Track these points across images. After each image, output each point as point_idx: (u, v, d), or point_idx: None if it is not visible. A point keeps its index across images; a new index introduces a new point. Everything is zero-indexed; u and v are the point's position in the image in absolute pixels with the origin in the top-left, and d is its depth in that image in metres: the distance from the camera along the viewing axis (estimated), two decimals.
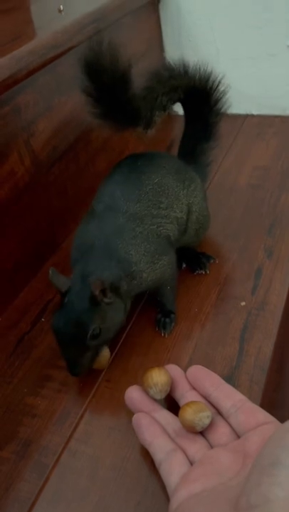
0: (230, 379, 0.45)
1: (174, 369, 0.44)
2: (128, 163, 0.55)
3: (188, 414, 0.38)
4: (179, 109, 0.60)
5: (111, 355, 0.49)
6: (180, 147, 0.65)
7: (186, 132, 0.64)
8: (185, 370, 0.43)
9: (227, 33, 0.88)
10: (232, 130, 0.89)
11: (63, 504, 0.39)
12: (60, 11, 0.70)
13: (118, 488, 0.39)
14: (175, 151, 0.67)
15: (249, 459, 0.33)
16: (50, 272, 0.45)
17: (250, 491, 0.27)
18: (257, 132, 0.89)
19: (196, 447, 0.37)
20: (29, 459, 0.42)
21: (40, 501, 0.39)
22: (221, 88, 0.59)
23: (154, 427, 0.39)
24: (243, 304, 0.53)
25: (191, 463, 0.37)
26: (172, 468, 0.36)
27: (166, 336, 0.51)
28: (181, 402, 0.41)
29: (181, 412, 0.39)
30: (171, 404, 0.43)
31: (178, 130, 0.65)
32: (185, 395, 0.42)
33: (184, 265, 0.60)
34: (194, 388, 0.42)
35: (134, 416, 0.41)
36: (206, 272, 0.58)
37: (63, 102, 0.66)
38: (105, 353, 0.47)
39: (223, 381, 0.41)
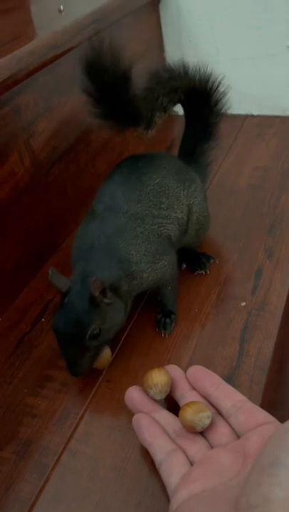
0: (230, 379, 0.45)
1: (174, 369, 0.44)
2: (128, 164, 0.55)
3: (189, 414, 0.38)
4: (179, 109, 0.61)
5: (111, 355, 0.49)
6: (180, 147, 0.65)
7: (187, 133, 0.64)
8: (185, 370, 0.43)
9: (227, 33, 0.88)
10: (232, 130, 0.89)
11: (63, 504, 0.39)
12: (60, 11, 0.70)
13: (118, 488, 0.39)
14: (175, 151, 0.67)
15: (249, 459, 0.34)
16: (50, 272, 0.45)
17: (250, 491, 0.27)
18: (257, 133, 0.89)
19: (196, 447, 0.37)
20: (29, 460, 0.42)
21: (41, 502, 0.39)
22: (221, 89, 0.59)
23: (154, 428, 0.39)
24: (243, 304, 0.53)
25: (191, 463, 0.37)
26: (172, 469, 0.36)
27: (166, 336, 0.51)
28: (181, 403, 0.41)
29: (181, 413, 0.39)
30: (172, 404, 0.43)
31: (178, 130, 0.65)
32: (185, 395, 0.42)
33: (184, 265, 0.60)
34: (194, 388, 0.42)
35: (134, 416, 0.41)
36: (206, 272, 0.58)
37: (63, 102, 0.66)
38: (106, 353, 0.48)
39: (223, 381, 0.41)
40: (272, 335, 0.49)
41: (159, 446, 0.38)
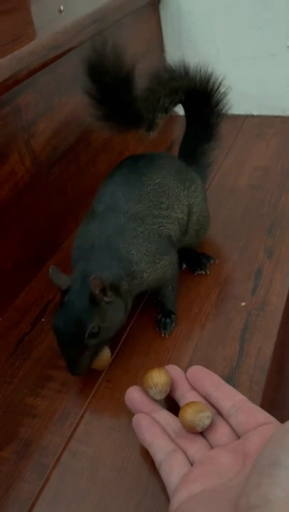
0: (230, 379, 0.45)
1: (174, 369, 0.44)
2: (128, 164, 0.55)
3: (189, 414, 0.38)
4: (179, 109, 0.60)
5: (111, 355, 0.49)
6: (181, 148, 0.65)
7: (187, 133, 0.64)
8: (185, 370, 0.43)
9: (227, 33, 0.88)
10: (232, 130, 0.90)
11: (63, 504, 0.39)
12: (60, 11, 0.70)
13: (118, 488, 0.39)
14: (175, 151, 0.67)
15: (249, 459, 0.34)
16: (50, 270, 0.45)
17: (250, 492, 0.27)
18: (257, 133, 0.89)
19: (196, 448, 0.37)
20: (29, 460, 0.42)
21: (41, 502, 0.39)
22: (222, 89, 0.59)
23: (154, 428, 0.39)
24: (243, 304, 0.53)
25: (191, 463, 0.37)
26: (172, 469, 0.36)
27: (166, 336, 0.51)
28: (181, 403, 0.41)
29: (181, 413, 0.39)
30: (172, 404, 0.43)
31: (178, 131, 0.65)
32: (185, 396, 0.42)
33: (184, 266, 0.60)
34: (194, 389, 0.42)
35: (134, 416, 0.41)
36: (206, 272, 0.58)
37: (64, 102, 0.66)
38: (106, 354, 0.48)
39: (223, 381, 0.41)
40: (272, 335, 0.49)
41: (159, 447, 0.38)
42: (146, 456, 0.39)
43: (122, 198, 0.50)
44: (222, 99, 0.60)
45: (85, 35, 0.65)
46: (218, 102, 0.60)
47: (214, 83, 0.58)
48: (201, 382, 0.42)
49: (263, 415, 0.37)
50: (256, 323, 0.51)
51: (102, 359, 0.47)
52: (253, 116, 0.95)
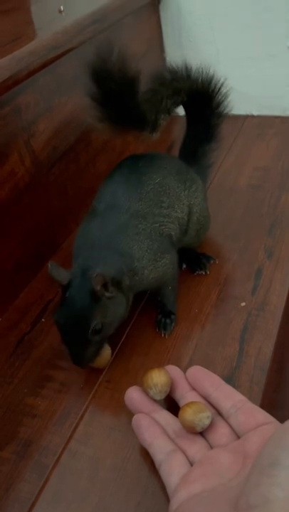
0: (230, 379, 0.45)
1: (173, 370, 0.44)
2: (129, 164, 0.55)
3: (188, 414, 0.38)
4: (179, 110, 0.60)
5: (111, 355, 0.49)
6: (181, 149, 0.65)
7: (188, 134, 0.64)
8: (185, 370, 0.43)
9: (227, 34, 0.88)
10: (232, 131, 0.90)
11: (63, 505, 0.39)
12: (60, 11, 0.70)
13: (118, 488, 0.39)
14: (175, 152, 0.67)
15: (249, 459, 0.33)
16: (49, 265, 0.45)
17: (249, 492, 0.27)
18: (257, 133, 0.89)
19: (196, 448, 0.37)
20: (29, 460, 0.42)
21: (40, 502, 0.39)
22: (223, 91, 0.59)
23: (154, 428, 0.39)
24: (243, 304, 0.53)
25: (191, 463, 0.37)
26: (172, 469, 0.36)
27: (166, 336, 0.51)
28: (181, 403, 0.41)
29: (181, 413, 0.39)
30: (171, 404, 0.43)
31: (178, 131, 0.65)
32: (185, 396, 0.42)
33: (184, 266, 0.60)
34: (194, 389, 0.42)
35: (134, 417, 0.41)
36: (206, 272, 0.58)
37: (64, 102, 0.66)
38: (106, 352, 0.48)
39: (222, 382, 0.41)
40: (272, 335, 0.49)
41: (159, 447, 0.38)
42: (146, 456, 0.39)
43: (122, 197, 0.51)
44: (223, 101, 0.60)
45: (85, 36, 0.65)
46: (219, 104, 0.60)
47: (216, 85, 0.58)
48: (200, 383, 0.42)
49: (262, 415, 0.37)
50: (256, 324, 0.51)
51: (103, 357, 0.47)
52: (253, 116, 0.95)
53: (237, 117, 0.93)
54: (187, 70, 0.56)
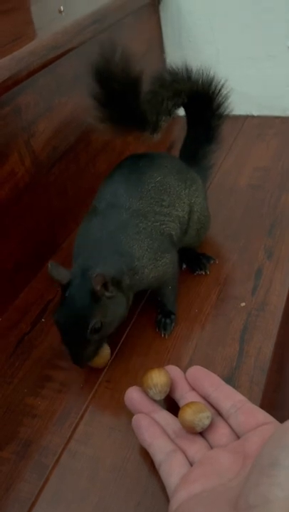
0: (230, 380, 0.45)
1: (173, 370, 0.44)
2: (129, 164, 0.55)
3: (188, 414, 0.38)
4: (179, 110, 0.60)
5: (111, 355, 0.49)
6: (182, 150, 0.65)
7: (188, 135, 0.64)
8: (185, 370, 0.43)
9: (227, 34, 0.88)
10: (232, 131, 0.90)
11: (63, 505, 0.39)
12: (60, 11, 0.70)
13: (118, 488, 0.39)
14: (175, 152, 0.67)
15: (249, 459, 0.33)
16: (49, 265, 0.45)
17: (249, 492, 0.27)
18: (257, 133, 0.89)
19: (195, 448, 0.37)
20: (29, 460, 0.42)
21: (40, 502, 0.39)
22: (224, 92, 0.59)
23: (154, 428, 0.39)
24: (243, 304, 0.53)
25: (191, 464, 0.37)
26: (172, 469, 0.36)
27: (166, 336, 0.51)
28: (181, 403, 0.41)
29: (180, 413, 0.39)
30: (171, 404, 0.43)
31: (178, 131, 0.65)
32: (185, 396, 0.42)
33: (184, 266, 0.60)
34: (194, 389, 0.42)
35: (134, 417, 0.41)
36: (206, 272, 0.58)
37: (64, 102, 0.66)
38: (106, 352, 0.48)
39: (222, 382, 0.41)
40: (272, 335, 0.49)
41: (159, 447, 0.38)
42: (146, 456, 0.39)
43: (123, 195, 0.51)
44: (224, 102, 0.60)
45: (85, 36, 0.65)
46: (219, 105, 0.60)
47: (216, 86, 0.58)
48: (200, 383, 0.42)
49: (262, 415, 0.37)
50: (256, 324, 0.51)
51: (102, 357, 0.47)
52: (253, 116, 0.95)
53: (237, 117, 0.93)
54: (187, 71, 0.56)
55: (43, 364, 0.52)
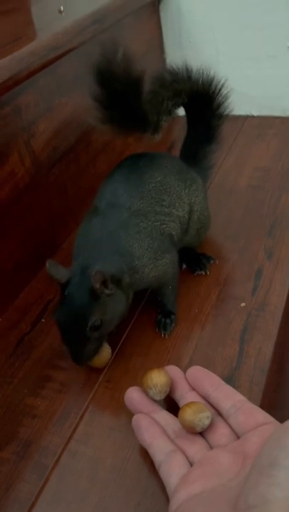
0: (230, 380, 0.45)
1: (173, 370, 0.44)
2: (129, 164, 0.55)
3: (188, 414, 0.38)
4: (179, 110, 0.60)
5: (111, 355, 0.49)
6: (182, 150, 0.65)
7: (189, 135, 0.64)
8: (185, 370, 0.43)
9: (227, 34, 0.88)
10: (232, 131, 0.90)
11: (63, 505, 0.39)
12: (60, 12, 0.70)
13: (118, 489, 0.39)
14: (175, 152, 0.67)
15: (249, 459, 0.33)
16: (47, 264, 0.45)
17: (248, 492, 0.27)
18: (257, 133, 0.89)
19: (195, 448, 0.37)
20: (29, 460, 0.42)
21: (40, 502, 0.39)
22: (224, 92, 0.59)
23: (154, 428, 0.39)
24: (243, 304, 0.53)
25: (191, 464, 0.36)
26: (172, 470, 0.36)
27: (166, 336, 0.51)
28: (181, 403, 0.41)
29: (180, 413, 0.39)
30: (171, 405, 0.43)
31: (178, 131, 0.65)
32: (185, 396, 0.42)
33: (184, 266, 0.60)
34: (194, 389, 0.42)
35: (134, 417, 0.41)
36: (206, 272, 0.58)
37: (64, 103, 0.66)
38: (106, 351, 0.48)
39: (222, 382, 0.41)
40: (272, 335, 0.49)
41: (159, 447, 0.38)
42: (146, 456, 0.39)
43: (124, 195, 0.51)
44: (224, 102, 0.60)
45: (85, 36, 0.65)
46: (219, 105, 0.60)
47: (216, 86, 0.58)
48: (200, 383, 0.42)
49: (262, 415, 0.37)
50: (256, 324, 0.51)
51: (103, 357, 0.47)
52: (253, 116, 0.95)
53: (237, 118, 0.93)
54: (188, 71, 0.56)
55: (43, 364, 0.52)
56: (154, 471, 0.38)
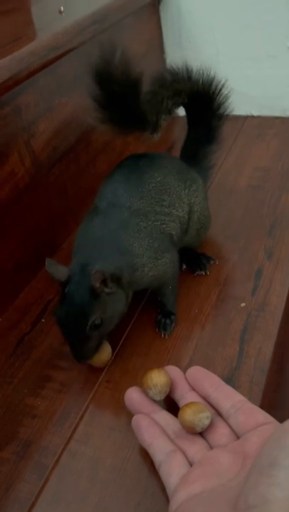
0: (230, 380, 0.45)
1: (173, 370, 0.44)
2: (129, 164, 0.55)
3: (188, 415, 0.38)
4: (179, 110, 0.60)
5: (112, 355, 0.49)
6: (182, 150, 0.65)
7: (189, 136, 0.64)
8: (185, 371, 0.43)
9: (227, 34, 0.88)
10: (232, 131, 0.90)
11: (63, 505, 0.39)
12: (60, 12, 0.70)
13: (118, 489, 0.39)
14: (175, 152, 0.67)
15: (249, 459, 0.33)
16: (46, 262, 0.45)
17: (248, 492, 0.27)
18: (257, 133, 0.89)
19: (195, 448, 0.37)
20: (29, 460, 0.42)
21: (40, 502, 0.39)
22: (224, 92, 0.59)
23: (154, 428, 0.39)
24: (243, 304, 0.53)
25: (191, 464, 0.36)
26: (172, 470, 0.36)
27: (166, 336, 0.51)
28: (181, 403, 0.41)
29: (180, 413, 0.39)
30: (171, 405, 0.43)
31: (178, 131, 0.65)
32: (185, 396, 0.42)
33: (184, 266, 0.60)
34: (194, 389, 0.42)
35: (134, 417, 0.41)
36: (206, 272, 0.58)
37: (64, 103, 0.66)
38: (107, 351, 0.48)
39: (222, 382, 0.41)
40: (272, 335, 0.49)
41: (159, 447, 0.38)
42: (146, 456, 0.39)
43: (124, 195, 0.51)
44: (224, 102, 0.60)
45: (85, 36, 0.65)
46: (220, 105, 0.60)
47: (216, 86, 0.58)
48: (200, 383, 0.42)
49: (262, 415, 0.37)
50: (256, 324, 0.51)
51: (103, 356, 0.47)
52: (253, 116, 0.95)
53: (237, 118, 0.93)
54: (188, 71, 0.56)
55: (43, 364, 0.52)
56: (154, 471, 0.38)
